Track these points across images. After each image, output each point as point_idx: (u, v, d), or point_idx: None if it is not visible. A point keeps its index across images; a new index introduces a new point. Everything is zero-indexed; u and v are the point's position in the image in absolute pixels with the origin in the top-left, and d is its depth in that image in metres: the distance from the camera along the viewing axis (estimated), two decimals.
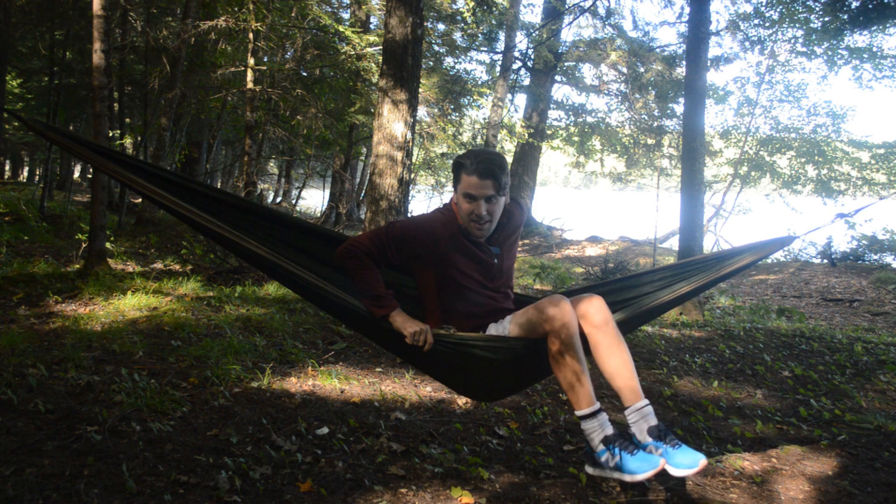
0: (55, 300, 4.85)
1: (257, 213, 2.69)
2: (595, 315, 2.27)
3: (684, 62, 9.00)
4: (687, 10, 7.95)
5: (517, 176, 17.21)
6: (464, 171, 2.25)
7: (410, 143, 5.46)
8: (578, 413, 2.23)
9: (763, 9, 13.48)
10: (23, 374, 3.22)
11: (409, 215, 2.72)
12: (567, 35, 17.62)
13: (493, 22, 14.92)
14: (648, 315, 2.71)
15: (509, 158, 17.70)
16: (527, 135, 16.11)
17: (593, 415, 2.22)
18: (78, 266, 6.03)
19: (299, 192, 17.57)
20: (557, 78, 17.84)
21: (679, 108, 15.49)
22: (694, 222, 6.33)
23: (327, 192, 18.57)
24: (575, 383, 2.19)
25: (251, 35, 9.28)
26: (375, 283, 2.39)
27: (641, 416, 2.27)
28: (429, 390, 3.75)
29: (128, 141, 10.55)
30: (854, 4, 7.41)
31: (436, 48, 15.35)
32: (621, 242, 16.46)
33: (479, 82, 17.03)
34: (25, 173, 24.83)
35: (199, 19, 9.13)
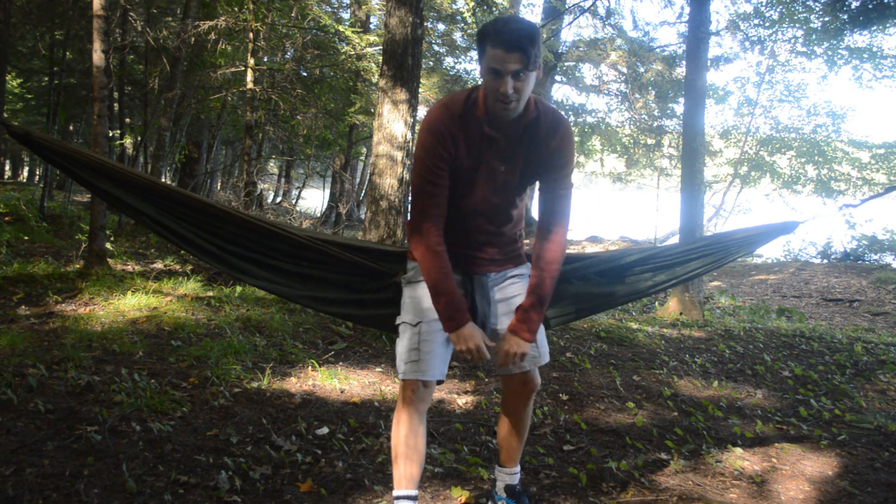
0: (55, 300, 4.85)
1: (230, 221, 2.43)
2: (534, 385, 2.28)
3: (684, 62, 9.00)
4: (687, 10, 7.95)
5: None
6: (488, 42, 1.88)
7: (410, 143, 5.46)
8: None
9: (763, 9, 13.49)
10: (23, 374, 3.22)
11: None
12: (567, 35, 17.62)
13: None
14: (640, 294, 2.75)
15: None
16: None
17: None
18: (78, 266, 6.03)
19: (299, 192, 17.58)
20: (557, 78, 17.84)
21: (679, 108, 15.48)
22: (694, 222, 6.33)
23: (327, 192, 18.57)
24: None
25: (251, 35, 9.28)
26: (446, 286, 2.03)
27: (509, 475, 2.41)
28: None
29: (128, 141, 10.55)
30: (854, 4, 7.41)
31: (436, 48, 15.36)
32: (621, 242, 16.46)
33: (479, 82, 17.02)
34: (25, 173, 24.82)
35: (199, 19, 9.13)
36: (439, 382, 2.15)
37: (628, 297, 2.81)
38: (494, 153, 2.04)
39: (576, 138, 18.89)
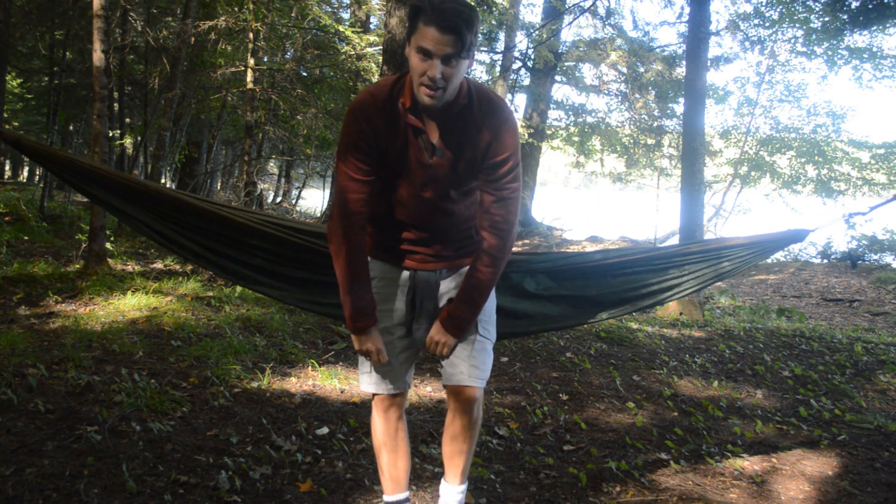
0: (55, 300, 4.84)
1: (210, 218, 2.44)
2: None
3: (684, 62, 9.00)
4: (687, 10, 7.96)
5: None
6: (421, 17, 1.70)
7: None
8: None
9: (763, 9, 13.49)
10: (23, 374, 3.22)
11: None
12: (567, 35, 17.62)
13: (493, 22, 14.91)
14: (639, 305, 2.66)
15: None
16: (527, 135, 16.10)
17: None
18: (78, 266, 6.03)
19: (299, 192, 17.58)
20: (557, 78, 17.83)
21: (679, 108, 15.48)
22: (694, 222, 6.33)
23: (327, 192, 18.56)
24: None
25: (251, 35, 9.28)
26: (359, 281, 1.94)
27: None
28: (429, 390, 3.75)
29: (128, 141, 10.55)
30: (854, 4, 7.41)
31: None
32: (621, 242, 16.46)
33: (479, 82, 17.03)
34: (25, 173, 24.81)
35: (199, 19, 9.12)
36: (405, 392, 2.10)
37: (613, 307, 2.62)
38: (421, 144, 1.86)
39: (575, 138, 18.98)
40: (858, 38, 12.75)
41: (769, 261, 13.73)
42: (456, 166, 1.89)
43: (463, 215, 2.00)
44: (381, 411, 2.08)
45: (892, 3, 7.00)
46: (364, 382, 2.08)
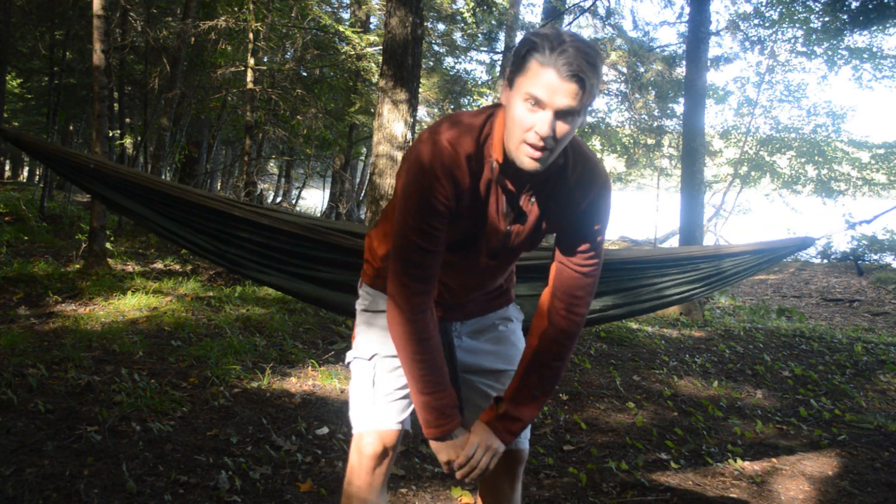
0: (55, 300, 4.84)
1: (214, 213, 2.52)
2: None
3: (684, 62, 9.00)
4: (687, 10, 7.95)
5: None
6: (535, 56, 1.30)
7: (410, 143, 5.46)
8: None
9: (763, 9, 13.48)
10: (23, 374, 3.22)
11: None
12: None
13: (493, 22, 14.91)
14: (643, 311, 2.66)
15: None
16: None
17: None
18: (78, 266, 6.02)
19: (299, 192, 17.59)
20: None
21: (679, 108, 15.47)
22: (694, 222, 6.34)
23: (327, 192, 18.57)
24: None
25: (251, 35, 9.27)
26: (436, 374, 1.50)
27: None
28: None
29: (128, 141, 10.55)
30: (854, 4, 7.40)
31: (436, 48, 15.35)
32: (621, 242, 16.46)
33: (479, 82, 17.01)
34: (25, 173, 24.82)
35: (199, 19, 9.13)
36: (406, 434, 1.64)
37: (614, 309, 2.61)
38: (501, 209, 1.49)
39: None
40: (858, 38, 12.76)
41: None
42: (535, 236, 1.55)
43: (512, 270, 1.72)
44: (365, 472, 1.58)
45: (892, 3, 7.00)
46: (358, 419, 1.62)
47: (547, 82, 1.28)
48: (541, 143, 1.31)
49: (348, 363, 1.71)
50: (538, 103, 1.30)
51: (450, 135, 1.42)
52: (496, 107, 1.46)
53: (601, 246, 1.54)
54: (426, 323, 1.48)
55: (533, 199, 1.49)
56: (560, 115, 1.30)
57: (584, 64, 1.28)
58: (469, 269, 1.58)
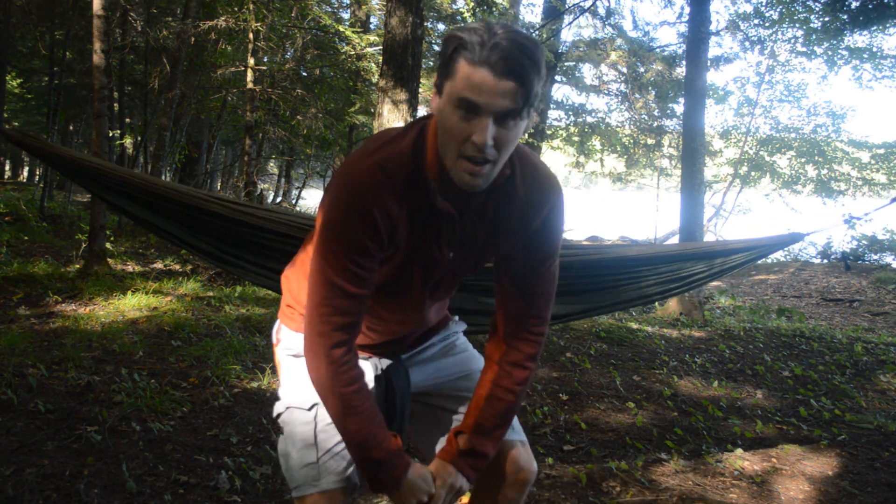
0: (55, 300, 4.84)
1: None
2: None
3: (684, 62, 9.00)
4: (687, 10, 7.95)
5: None
6: (463, 54, 1.12)
7: None
8: None
9: (763, 9, 13.48)
10: (23, 374, 3.22)
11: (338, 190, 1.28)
12: (567, 35, 17.60)
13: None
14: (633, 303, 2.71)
15: None
16: (527, 135, 16.10)
17: None
18: (78, 266, 6.03)
19: (299, 192, 17.59)
20: (557, 78, 17.82)
21: (679, 108, 15.48)
22: (694, 222, 6.33)
23: None
24: None
25: (251, 35, 9.28)
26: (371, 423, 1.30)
27: None
28: None
29: (128, 141, 10.56)
30: (854, 4, 7.41)
31: (436, 48, 15.34)
32: (621, 242, 16.47)
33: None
34: (25, 173, 24.82)
35: (199, 19, 9.13)
36: (353, 489, 1.40)
37: (607, 304, 2.66)
38: (442, 235, 1.30)
39: (575, 138, 19.01)
40: (858, 38, 12.76)
41: (769, 260, 13.74)
42: (480, 260, 1.38)
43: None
44: None
45: (892, 3, 7.00)
46: (298, 480, 1.37)
47: (480, 83, 1.09)
48: (481, 156, 1.13)
49: (278, 415, 1.46)
50: (472, 109, 1.11)
51: (379, 157, 1.22)
52: (427, 118, 1.28)
53: (556, 263, 1.38)
54: (352, 374, 1.28)
55: (479, 219, 1.30)
56: (500, 119, 1.12)
57: (521, 57, 1.09)
58: (408, 306, 1.40)
